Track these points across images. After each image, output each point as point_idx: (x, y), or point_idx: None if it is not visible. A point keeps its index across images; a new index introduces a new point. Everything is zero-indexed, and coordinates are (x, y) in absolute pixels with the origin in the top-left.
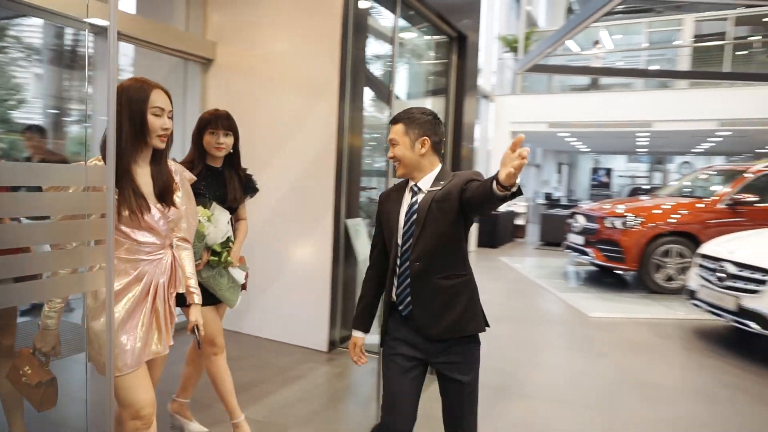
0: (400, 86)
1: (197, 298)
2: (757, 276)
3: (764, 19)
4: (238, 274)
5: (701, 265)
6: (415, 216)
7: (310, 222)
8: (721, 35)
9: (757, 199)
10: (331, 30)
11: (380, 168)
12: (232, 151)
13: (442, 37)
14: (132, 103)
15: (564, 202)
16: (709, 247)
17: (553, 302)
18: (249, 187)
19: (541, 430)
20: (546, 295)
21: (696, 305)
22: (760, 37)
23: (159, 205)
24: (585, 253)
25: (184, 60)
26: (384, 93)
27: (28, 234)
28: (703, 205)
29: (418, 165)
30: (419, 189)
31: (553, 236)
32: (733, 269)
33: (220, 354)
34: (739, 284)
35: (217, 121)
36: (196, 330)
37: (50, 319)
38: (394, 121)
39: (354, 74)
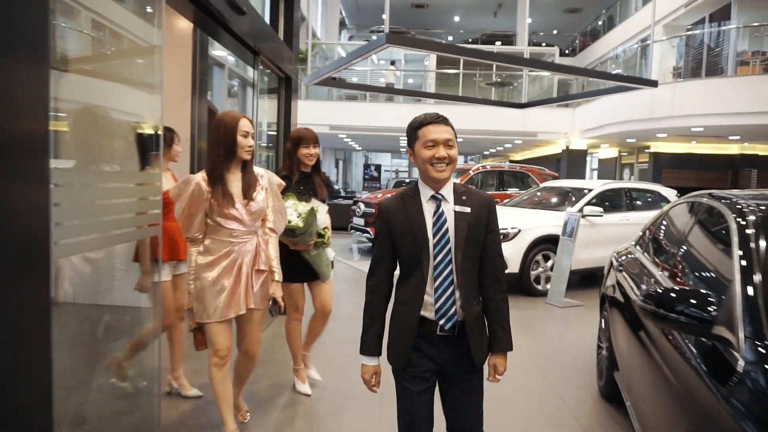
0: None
1: (278, 276)
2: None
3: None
4: (331, 254)
5: None
6: (446, 227)
7: None
8: (457, 65)
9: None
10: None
11: None
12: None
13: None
14: (226, 129)
15: (343, 193)
16: None
17: (346, 268)
18: (329, 186)
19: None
20: (339, 265)
21: None
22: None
23: (243, 201)
24: (366, 232)
25: None
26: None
27: None
28: None
29: (449, 176)
30: (443, 198)
31: (338, 222)
32: None
33: (299, 320)
34: None
35: (308, 138)
36: (276, 301)
37: (191, 285)
38: (444, 120)
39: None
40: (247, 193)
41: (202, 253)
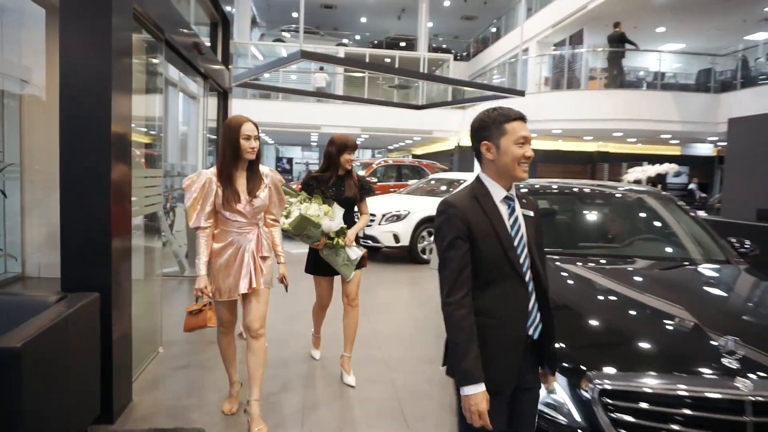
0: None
1: (283, 258)
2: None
3: (386, 60)
4: (353, 254)
5: None
6: (522, 231)
7: None
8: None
9: (377, 180)
10: None
11: None
12: None
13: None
14: (230, 132)
15: None
16: None
17: None
18: (365, 189)
19: None
20: None
21: None
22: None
23: (247, 197)
24: None
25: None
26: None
27: None
28: None
29: None
30: (512, 199)
31: None
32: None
33: (322, 310)
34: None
35: (352, 146)
36: (284, 280)
37: (201, 271)
38: (525, 118)
39: None
40: (252, 191)
41: (214, 240)
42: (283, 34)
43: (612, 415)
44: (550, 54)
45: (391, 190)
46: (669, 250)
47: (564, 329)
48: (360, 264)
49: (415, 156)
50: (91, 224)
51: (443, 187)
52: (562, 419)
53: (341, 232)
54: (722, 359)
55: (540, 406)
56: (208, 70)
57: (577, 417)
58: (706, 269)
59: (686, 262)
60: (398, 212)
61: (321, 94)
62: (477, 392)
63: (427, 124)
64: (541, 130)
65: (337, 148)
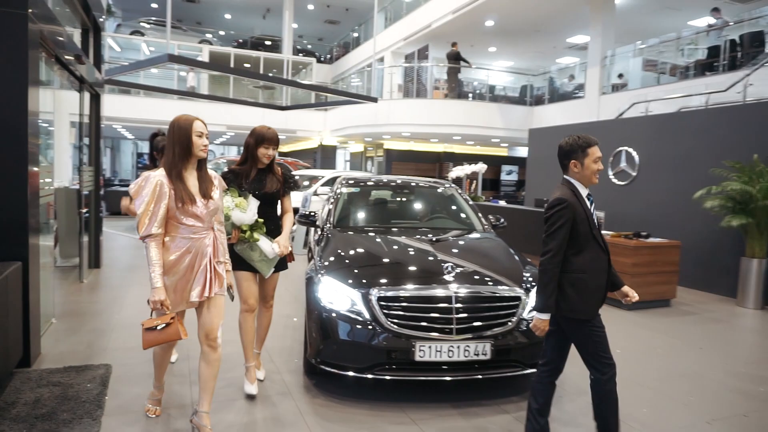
0: None
1: (228, 266)
2: None
3: (246, 65)
4: (268, 250)
5: None
6: (595, 216)
7: None
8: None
9: None
10: None
11: None
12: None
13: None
14: (181, 129)
15: (116, 181)
16: None
17: (129, 240)
18: (289, 184)
19: None
20: (120, 239)
21: None
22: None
23: (202, 200)
24: None
25: None
26: None
27: None
28: None
29: None
30: (591, 195)
31: (116, 207)
32: None
33: (250, 312)
34: None
35: (269, 139)
36: (231, 288)
37: (156, 282)
38: (598, 143)
39: None
40: (207, 192)
41: (166, 250)
42: (142, 25)
43: (385, 311)
44: (401, 66)
45: None
46: (449, 223)
47: (361, 266)
48: (283, 265)
49: (281, 154)
50: (15, 207)
51: (306, 183)
52: (360, 317)
53: (256, 226)
54: (445, 275)
55: (347, 313)
56: (86, 77)
57: (367, 315)
58: (466, 234)
59: (457, 230)
60: None
61: (187, 93)
62: (546, 318)
63: (291, 123)
64: (393, 133)
65: (255, 140)
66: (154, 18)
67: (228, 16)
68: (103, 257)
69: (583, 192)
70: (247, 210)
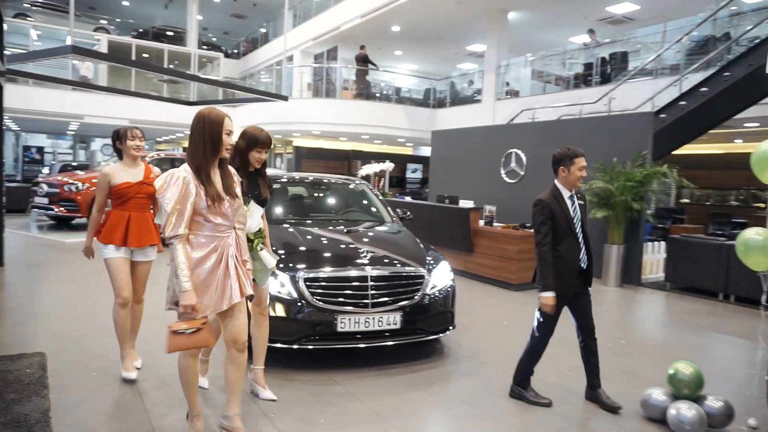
0: None
1: (250, 264)
2: None
3: (144, 56)
4: (269, 260)
5: None
6: (578, 213)
7: None
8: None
9: None
10: None
11: None
12: None
13: None
14: (212, 126)
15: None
16: None
17: (26, 238)
18: (271, 187)
19: None
20: (16, 238)
21: None
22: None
23: (228, 198)
24: (51, 209)
25: None
26: None
27: None
28: None
29: None
30: (573, 196)
31: (15, 204)
32: None
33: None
34: None
35: (263, 143)
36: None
37: (185, 284)
38: (584, 154)
39: None
40: (231, 190)
41: (194, 248)
42: (26, 6)
43: (311, 290)
44: (311, 66)
45: None
46: (362, 216)
47: (288, 253)
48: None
49: (186, 149)
50: None
51: None
52: (288, 296)
53: (259, 234)
54: (361, 259)
55: (277, 293)
56: None
57: (295, 294)
58: (377, 225)
59: (369, 222)
60: None
61: (87, 85)
62: (550, 295)
63: None
64: (303, 131)
65: (246, 143)
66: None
67: (126, 3)
68: (5, 255)
69: (566, 194)
70: (252, 217)
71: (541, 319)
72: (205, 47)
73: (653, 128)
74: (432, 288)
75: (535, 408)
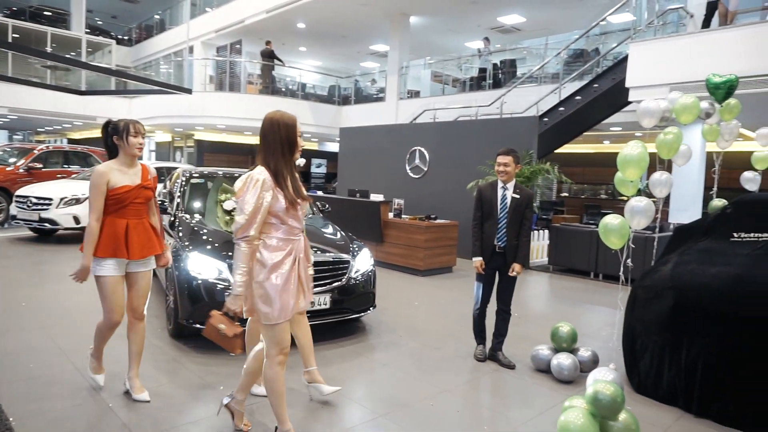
0: None
1: (311, 270)
2: (45, 201)
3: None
4: None
5: (17, 201)
6: (506, 202)
7: None
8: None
9: (41, 166)
10: None
11: None
12: None
13: None
14: (288, 128)
15: None
16: (21, 191)
17: None
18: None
19: None
20: None
21: (17, 223)
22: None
23: (300, 200)
24: None
25: None
26: None
27: None
28: (11, 168)
29: (511, 177)
30: (506, 188)
31: None
32: (34, 200)
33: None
34: (38, 207)
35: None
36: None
37: (240, 287)
38: (508, 153)
39: None
40: (301, 192)
41: (271, 251)
42: None
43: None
44: (212, 59)
45: (59, 176)
46: None
47: (221, 243)
48: None
49: (71, 141)
50: None
51: None
52: (227, 282)
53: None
54: None
55: (215, 280)
56: None
57: (232, 280)
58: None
59: None
60: (77, 196)
61: None
62: (478, 259)
63: (91, 110)
64: (207, 125)
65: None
66: None
67: None
68: None
69: (500, 185)
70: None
71: (476, 282)
72: (90, 31)
73: (538, 130)
74: (356, 272)
75: (449, 366)
